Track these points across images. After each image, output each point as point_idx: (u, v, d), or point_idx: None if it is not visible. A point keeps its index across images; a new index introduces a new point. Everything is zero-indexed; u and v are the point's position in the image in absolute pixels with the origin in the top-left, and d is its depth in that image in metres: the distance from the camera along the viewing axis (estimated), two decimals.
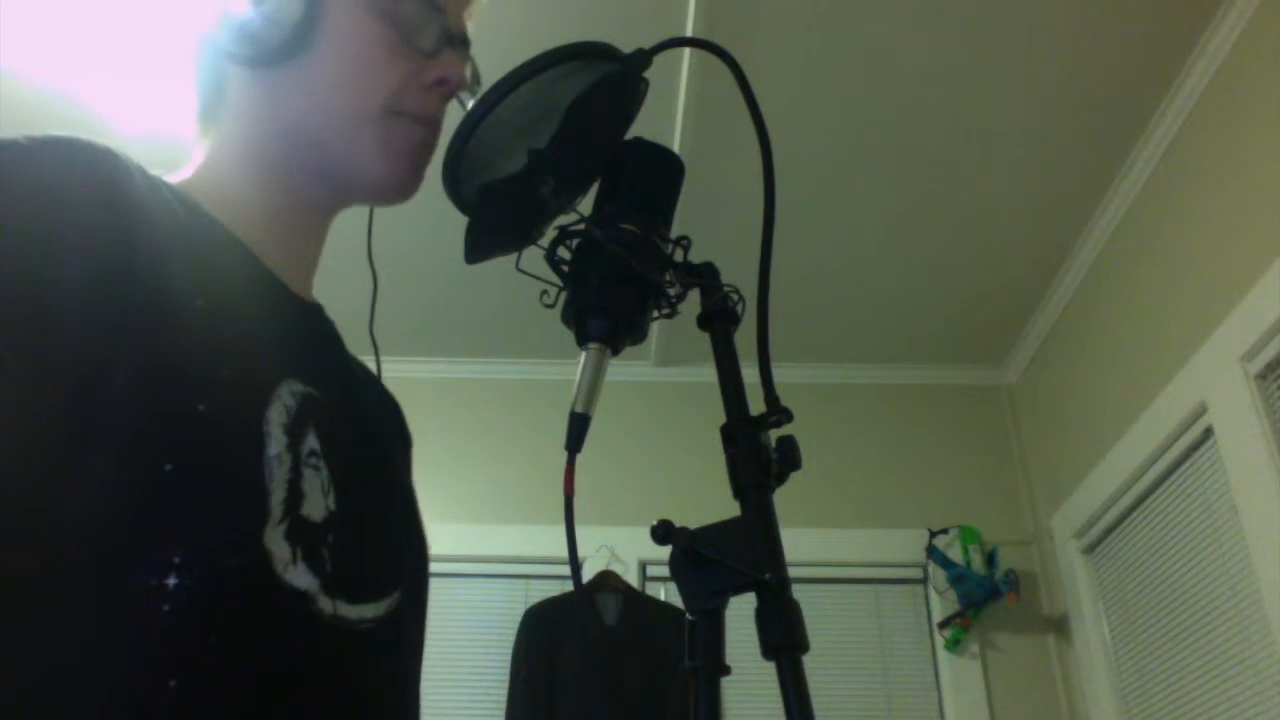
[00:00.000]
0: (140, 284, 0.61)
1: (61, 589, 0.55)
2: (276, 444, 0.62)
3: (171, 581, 0.56)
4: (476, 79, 0.84)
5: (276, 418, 0.63)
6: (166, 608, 0.56)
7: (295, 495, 0.62)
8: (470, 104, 0.83)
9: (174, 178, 0.74)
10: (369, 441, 0.77)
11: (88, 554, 0.56)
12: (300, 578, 0.61)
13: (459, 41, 0.82)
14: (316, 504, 0.64)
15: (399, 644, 0.71)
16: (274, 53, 0.74)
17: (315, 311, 0.79)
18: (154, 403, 0.58)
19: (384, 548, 0.72)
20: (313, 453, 0.64)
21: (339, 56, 0.76)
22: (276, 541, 0.60)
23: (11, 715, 0.53)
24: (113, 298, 0.59)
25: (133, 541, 0.57)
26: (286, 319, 0.74)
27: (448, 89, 0.79)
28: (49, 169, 0.61)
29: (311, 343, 0.76)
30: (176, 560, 0.56)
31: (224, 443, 0.60)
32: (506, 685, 2.73)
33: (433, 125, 0.80)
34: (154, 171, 0.70)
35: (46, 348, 0.56)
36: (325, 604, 0.62)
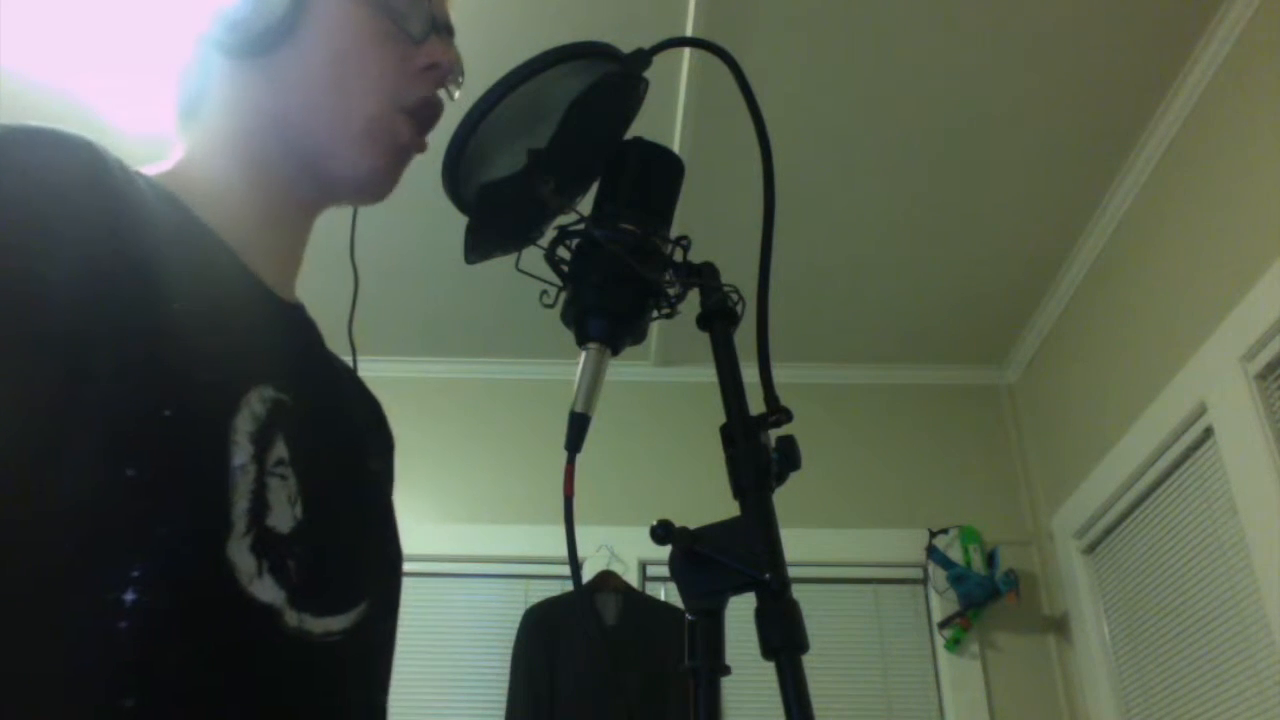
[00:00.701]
0: (127, 281, 0.59)
1: (26, 600, 0.53)
2: (242, 453, 0.60)
3: (129, 597, 0.54)
4: (461, 68, 0.84)
5: (244, 426, 0.61)
6: (124, 624, 0.54)
7: (260, 506, 0.60)
8: (456, 95, 0.83)
9: (151, 169, 0.72)
10: (343, 447, 0.75)
11: (54, 563, 0.54)
12: (265, 591, 0.59)
13: (444, 28, 0.81)
14: (283, 515, 0.62)
15: (365, 656, 0.70)
16: (260, 41, 0.73)
17: (295, 312, 0.77)
18: (122, 405, 0.57)
19: (353, 558, 0.70)
20: (280, 461, 0.63)
21: (326, 45, 0.74)
22: (241, 554, 0.58)
23: None
24: (102, 294, 0.58)
25: (94, 552, 0.55)
26: (264, 321, 0.72)
27: (439, 74, 0.78)
28: (35, 159, 0.59)
29: (289, 345, 0.74)
30: (135, 574, 0.54)
31: (187, 450, 0.58)
32: (506, 685, 2.73)
33: (426, 111, 0.79)
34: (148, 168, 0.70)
35: (36, 344, 0.55)
36: (290, 617, 0.61)
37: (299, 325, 0.77)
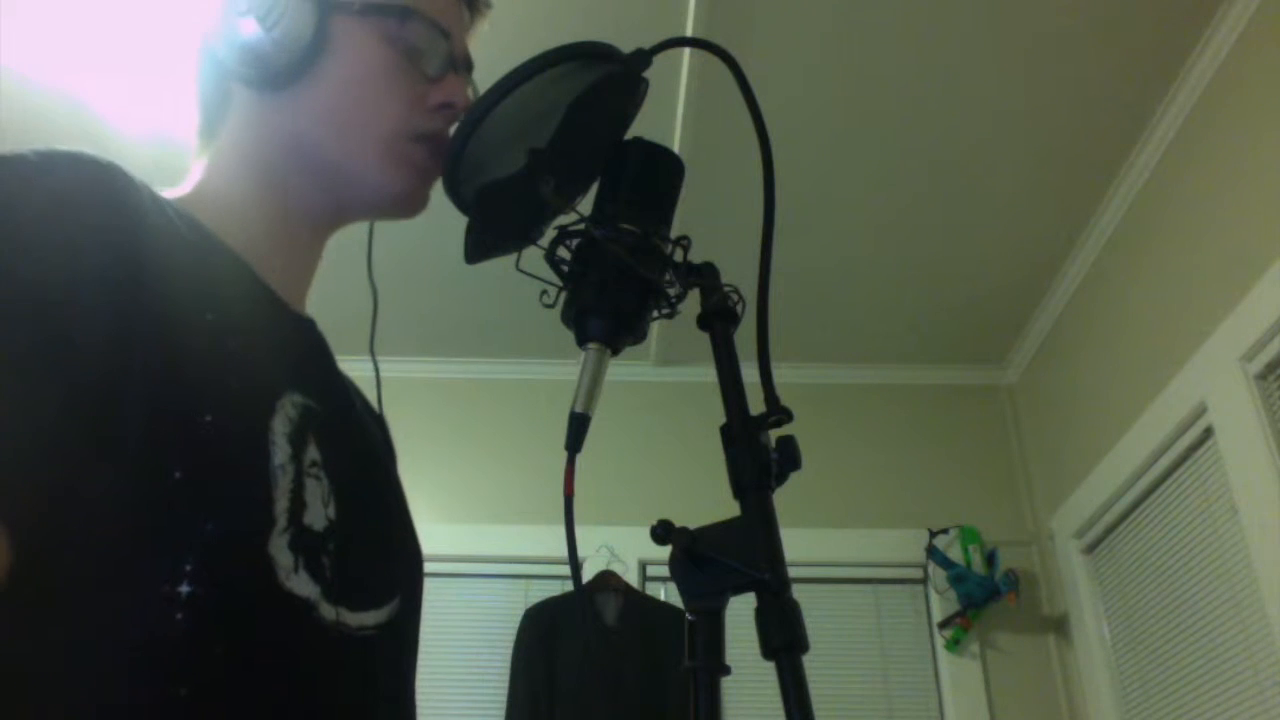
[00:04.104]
0: (149, 297, 0.61)
1: (81, 594, 0.55)
2: (281, 454, 0.63)
3: (185, 589, 0.56)
4: None
5: (280, 428, 0.64)
6: (180, 616, 0.56)
7: (298, 504, 0.63)
8: None
9: (172, 193, 0.75)
10: (365, 452, 0.77)
11: (105, 560, 0.56)
12: (302, 586, 0.62)
13: (462, 66, 0.82)
14: (317, 513, 0.64)
15: (399, 650, 0.72)
16: (281, 76, 0.75)
17: (310, 326, 0.80)
18: (163, 411, 0.59)
19: (383, 556, 0.73)
20: (314, 463, 0.65)
21: (344, 81, 0.76)
22: (280, 550, 0.61)
23: None
24: (124, 309, 0.59)
25: (148, 548, 0.57)
26: (284, 333, 0.75)
27: (452, 113, 0.80)
28: (61, 183, 0.61)
29: (308, 356, 0.77)
30: (189, 568, 0.57)
31: (230, 452, 0.61)
32: (507, 685, 2.73)
33: (437, 143, 0.80)
34: (155, 175, 0.71)
35: (62, 358, 0.56)
36: (327, 611, 0.63)
37: (313, 339, 0.79)
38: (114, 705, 0.55)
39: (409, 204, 0.80)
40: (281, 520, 0.61)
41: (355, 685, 0.66)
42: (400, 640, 0.72)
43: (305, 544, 0.62)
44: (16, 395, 0.54)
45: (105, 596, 0.56)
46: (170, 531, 0.58)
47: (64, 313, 0.57)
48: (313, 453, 0.65)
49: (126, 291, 0.60)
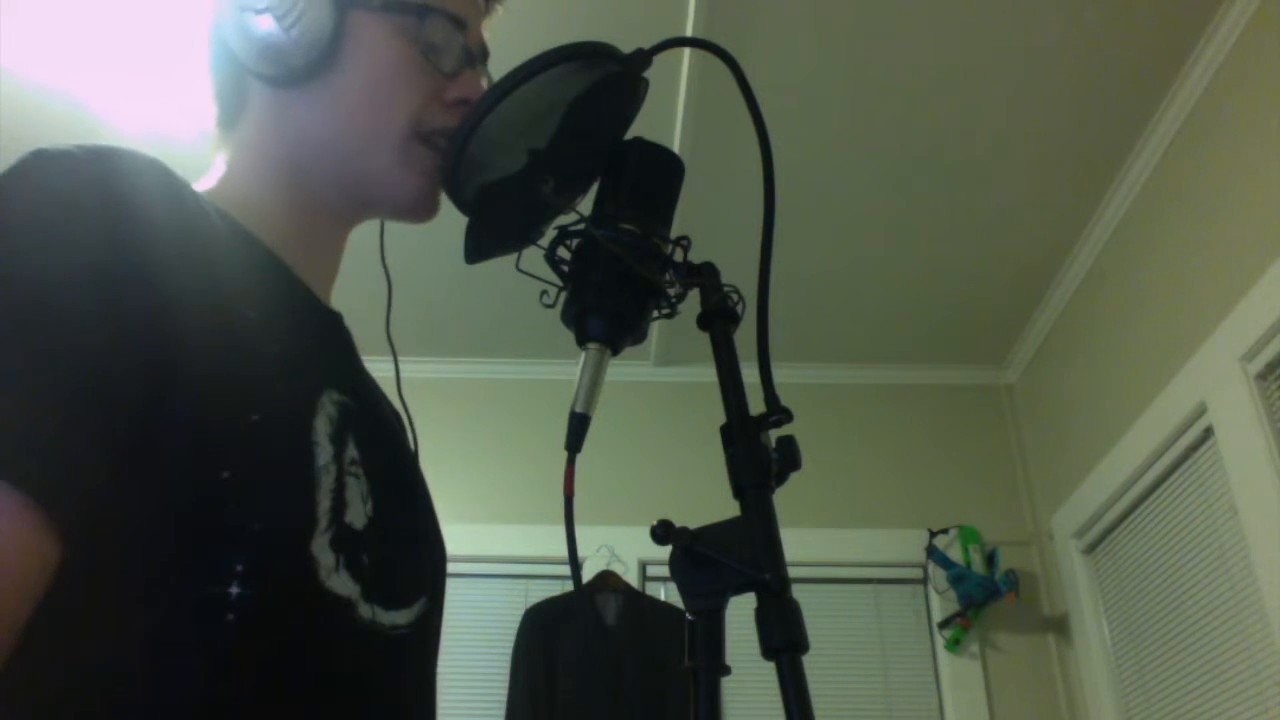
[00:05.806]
0: (197, 296, 0.61)
1: (130, 595, 0.56)
2: (324, 454, 0.63)
3: (235, 590, 0.57)
4: None
5: (322, 427, 0.64)
6: (231, 616, 0.56)
7: (340, 504, 0.63)
8: None
9: (200, 186, 0.74)
10: (397, 448, 0.77)
11: (155, 561, 0.56)
12: (342, 585, 0.62)
13: (478, 56, 0.82)
14: (357, 512, 0.64)
15: (425, 648, 0.72)
16: (299, 73, 0.74)
17: (339, 321, 0.80)
18: (211, 412, 0.59)
19: (414, 554, 0.73)
20: (353, 461, 0.66)
21: (363, 77, 0.76)
22: (322, 549, 0.61)
23: None
24: (173, 309, 0.59)
25: (198, 549, 0.57)
26: (320, 329, 0.75)
27: (466, 110, 0.79)
28: (111, 182, 0.61)
29: (340, 352, 0.77)
30: (239, 569, 0.57)
31: (277, 452, 0.61)
32: (507, 685, 2.73)
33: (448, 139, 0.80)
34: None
35: (116, 356, 0.56)
36: (364, 611, 0.63)
37: (342, 333, 0.79)
38: (162, 706, 0.55)
39: (419, 208, 0.80)
40: (324, 520, 0.61)
41: (389, 685, 0.66)
42: (427, 639, 0.72)
43: (346, 543, 0.63)
44: (61, 394, 0.53)
45: (155, 597, 0.56)
46: (220, 532, 0.58)
47: (120, 316, 0.56)
48: (352, 451, 0.66)
49: (175, 294, 0.60)
